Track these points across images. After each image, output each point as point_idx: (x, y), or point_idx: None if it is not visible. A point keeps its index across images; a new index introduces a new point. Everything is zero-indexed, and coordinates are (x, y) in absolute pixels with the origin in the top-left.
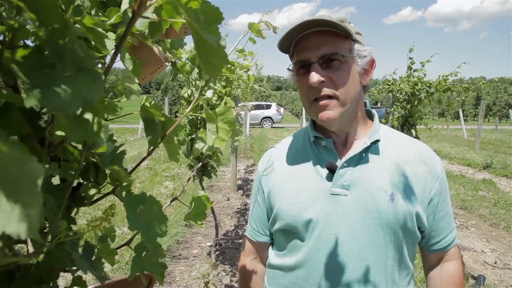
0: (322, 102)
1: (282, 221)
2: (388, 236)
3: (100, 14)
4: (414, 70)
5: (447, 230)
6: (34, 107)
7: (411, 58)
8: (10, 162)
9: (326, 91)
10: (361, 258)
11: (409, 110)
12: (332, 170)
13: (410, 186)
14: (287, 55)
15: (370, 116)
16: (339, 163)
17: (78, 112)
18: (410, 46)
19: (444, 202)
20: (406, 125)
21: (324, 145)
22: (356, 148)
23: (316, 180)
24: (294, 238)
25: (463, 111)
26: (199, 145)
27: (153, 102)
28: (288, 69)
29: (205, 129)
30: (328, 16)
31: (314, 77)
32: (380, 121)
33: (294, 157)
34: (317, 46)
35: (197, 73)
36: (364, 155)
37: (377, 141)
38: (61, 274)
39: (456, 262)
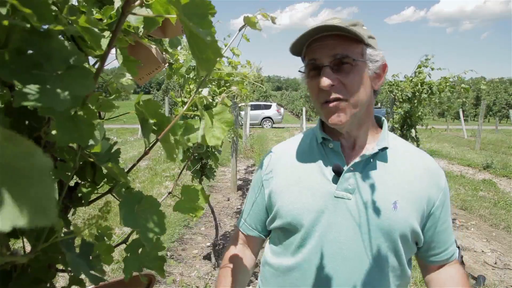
0: (332, 104)
1: (283, 219)
2: (387, 243)
3: (96, 12)
4: (419, 73)
5: (448, 243)
6: (29, 107)
7: (425, 65)
8: (16, 157)
9: (336, 94)
10: (360, 262)
11: (409, 110)
12: (338, 173)
13: (413, 196)
14: (287, 57)
15: (379, 123)
16: (345, 166)
17: (72, 112)
18: (426, 54)
19: (445, 215)
20: (406, 124)
21: (331, 147)
22: (364, 153)
23: (321, 181)
24: (294, 238)
25: (463, 111)
26: (189, 135)
27: (141, 101)
28: (299, 71)
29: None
30: (341, 20)
31: (325, 80)
32: None
33: (300, 157)
34: (329, 48)
35: (193, 75)
36: (371, 161)
37: (385, 148)
38: (61, 274)
39: (457, 265)
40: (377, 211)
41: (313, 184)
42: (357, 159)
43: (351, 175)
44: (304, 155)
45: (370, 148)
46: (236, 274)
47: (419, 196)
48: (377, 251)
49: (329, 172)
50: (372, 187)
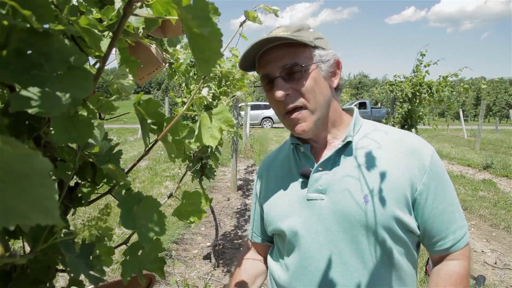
0: (293, 116)
1: (270, 226)
2: (371, 237)
3: (96, 12)
4: (417, 71)
5: (447, 230)
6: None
7: (421, 63)
8: (15, 160)
9: (293, 103)
10: (342, 262)
11: (410, 110)
12: (306, 176)
13: (389, 185)
14: None
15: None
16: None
17: (72, 112)
18: (420, 50)
19: (437, 198)
20: (407, 124)
21: (302, 151)
22: (329, 151)
23: (294, 186)
24: (284, 243)
25: (463, 111)
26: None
27: (141, 100)
28: (255, 86)
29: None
30: (285, 29)
31: (279, 92)
32: (380, 121)
33: (280, 164)
34: (277, 59)
35: (193, 73)
36: (337, 157)
37: (350, 142)
38: (61, 274)
39: (458, 262)
40: (351, 207)
41: (288, 190)
42: (323, 158)
43: (320, 175)
44: (283, 162)
45: (336, 144)
46: (249, 278)
47: (398, 182)
48: (360, 247)
49: (300, 176)
50: (342, 183)
